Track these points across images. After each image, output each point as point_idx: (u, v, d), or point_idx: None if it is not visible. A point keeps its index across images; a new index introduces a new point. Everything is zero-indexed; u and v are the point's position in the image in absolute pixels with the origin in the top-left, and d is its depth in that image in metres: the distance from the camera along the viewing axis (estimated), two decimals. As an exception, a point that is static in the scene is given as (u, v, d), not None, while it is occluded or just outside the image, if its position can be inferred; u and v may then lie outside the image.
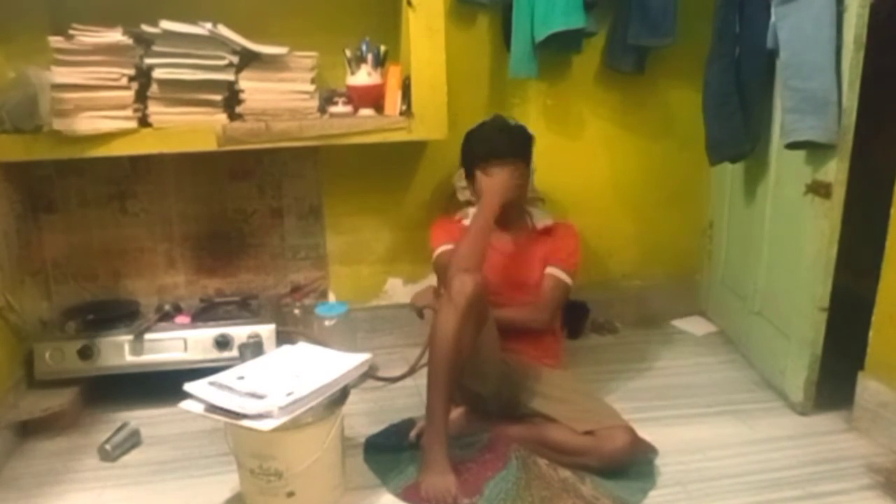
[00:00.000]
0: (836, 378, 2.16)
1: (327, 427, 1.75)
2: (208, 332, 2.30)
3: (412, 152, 2.56)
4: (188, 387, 1.72)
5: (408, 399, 2.29)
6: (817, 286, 2.07)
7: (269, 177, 2.54)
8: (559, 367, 2.19)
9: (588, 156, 2.72)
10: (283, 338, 2.32)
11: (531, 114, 2.63)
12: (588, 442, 1.86)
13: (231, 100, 2.20)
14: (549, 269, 2.16)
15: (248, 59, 2.18)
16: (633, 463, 1.91)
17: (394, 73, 2.30)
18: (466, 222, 2.16)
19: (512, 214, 2.16)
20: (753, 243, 2.45)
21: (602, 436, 1.86)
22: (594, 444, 1.85)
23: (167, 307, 2.43)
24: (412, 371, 2.38)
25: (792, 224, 2.19)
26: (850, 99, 1.94)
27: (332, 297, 2.67)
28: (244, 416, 1.62)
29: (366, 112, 2.30)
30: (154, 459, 2.04)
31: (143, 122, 2.16)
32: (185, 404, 1.70)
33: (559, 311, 2.24)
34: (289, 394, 1.66)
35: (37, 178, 2.40)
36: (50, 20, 2.22)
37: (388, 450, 1.99)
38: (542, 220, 2.26)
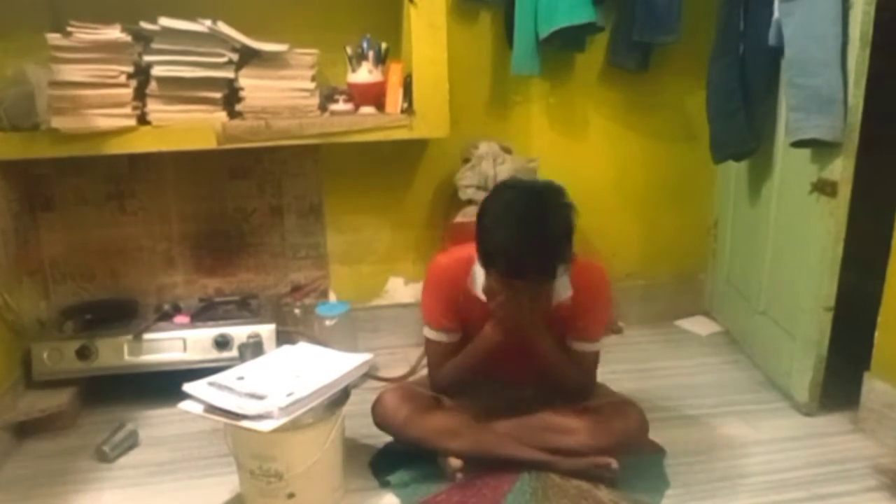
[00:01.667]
0: (841, 378, 2.14)
1: (328, 428, 1.74)
2: (208, 332, 2.29)
3: (413, 150, 2.55)
4: (187, 387, 1.71)
5: (409, 399, 2.28)
6: (823, 285, 2.06)
7: (269, 175, 2.53)
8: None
9: (591, 154, 2.71)
10: (283, 338, 2.31)
11: (534, 112, 2.62)
12: (595, 420, 1.84)
13: (231, 97, 2.19)
14: (579, 346, 1.89)
15: (247, 57, 2.18)
16: (645, 454, 1.90)
17: (395, 71, 2.29)
18: (475, 282, 1.80)
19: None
20: (758, 242, 2.43)
21: (608, 413, 1.85)
22: (602, 421, 1.84)
23: (166, 307, 2.41)
24: (413, 372, 2.37)
25: (797, 223, 2.18)
26: (856, 97, 1.93)
27: (332, 297, 2.66)
28: (244, 417, 1.61)
29: (367, 110, 2.29)
30: (153, 460, 2.03)
31: (142, 119, 2.15)
32: (185, 405, 1.69)
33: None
34: (289, 394, 1.66)
35: (34, 176, 2.39)
36: (48, 17, 2.21)
37: (403, 462, 1.94)
38: (561, 292, 1.81)
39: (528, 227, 1.60)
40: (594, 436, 1.83)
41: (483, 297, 1.77)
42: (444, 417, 1.87)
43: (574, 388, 1.92)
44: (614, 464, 1.81)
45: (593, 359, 1.93)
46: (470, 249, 1.79)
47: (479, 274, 1.78)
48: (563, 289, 1.81)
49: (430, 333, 1.91)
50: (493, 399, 1.95)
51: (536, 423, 1.89)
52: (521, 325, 1.77)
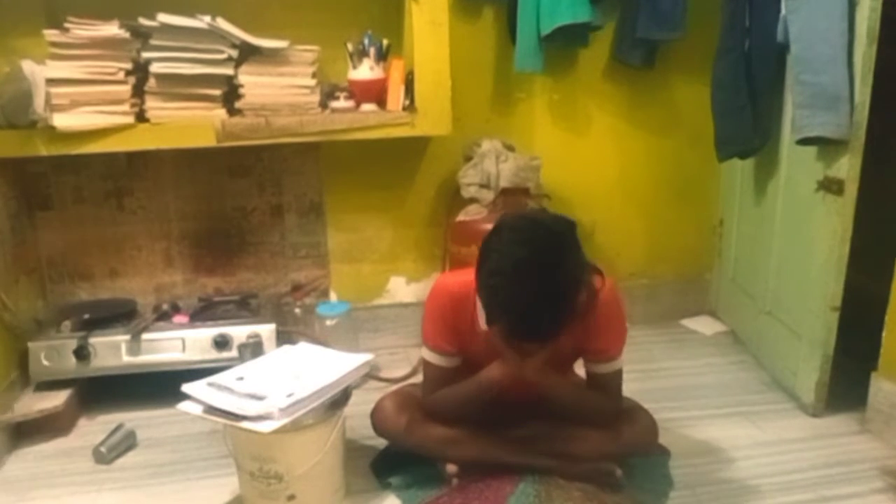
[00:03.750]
0: (848, 379, 2.13)
1: (328, 429, 1.73)
2: (207, 332, 2.27)
3: (415, 148, 2.53)
4: (186, 388, 1.70)
5: (410, 400, 2.26)
6: (829, 285, 2.04)
7: (268, 173, 2.51)
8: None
9: (595, 152, 2.69)
10: (283, 338, 2.30)
11: (537, 109, 2.61)
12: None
13: (230, 95, 2.18)
14: (601, 368, 1.78)
15: (247, 53, 2.17)
16: (651, 456, 1.89)
17: (396, 68, 2.28)
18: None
19: None
20: (764, 241, 2.42)
21: (622, 418, 1.83)
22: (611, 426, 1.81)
23: (165, 306, 2.40)
24: (415, 372, 2.35)
25: (803, 222, 2.16)
26: (863, 94, 1.91)
27: (333, 296, 2.65)
28: (244, 418, 1.61)
29: (368, 107, 2.28)
30: (152, 462, 2.01)
31: (141, 117, 2.15)
32: (184, 406, 1.69)
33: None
34: (289, 395, 1.65)
35: (32, 174, 2.37)
36: (45, 13, 2.19)
37: (405, 464, 1.91)
38: None
39: (535, 290, 1.46)
40: (603, 442, 1.80)
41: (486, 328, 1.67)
42: (445, 426, 1.84)
43: (601, 418, 1.81)
44: (619, 472, 1.78)
45: (618, 378, 1.80)
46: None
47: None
48: None
49: (427, 355, 1.82)
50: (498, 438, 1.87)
51: (542, 428, 1.87)
52: (527, 374, 1.68)
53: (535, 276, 1.47)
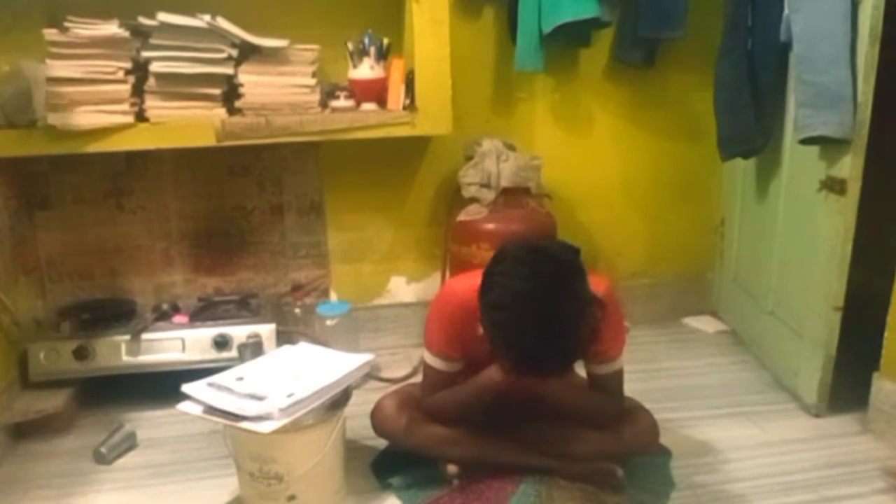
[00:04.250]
0: (850, 379, 2.12)
1: (329, 429, 1.72)
2: (207, 332, 2.27)
3: (416, 148, 2.53)
4: (186, 388, 1.70)
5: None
6: (831, 285, 2.03)
7: (268, 173, 2.50)
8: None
9: (596, 151, 2.69)
10: (283, 338, 2.29)
11: (538, 108, 2.60)
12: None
13: (230, 94, 2.17)
14: (601, 369, 1.78)
15: (247, 53, 2.16)
16: (652, 456, 1.89)
17: (397, 67, 2.27)
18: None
19: None
20: (766, 241, 2.41)
21: (623, 418, 1.82)
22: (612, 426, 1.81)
23: (165, 306, 2.40)
24: (415, 372, 2.35)
25: (805, 221, 2.15)
26: (866, 93, 1.91)
27: (333, 296, 2.65)
28: (243, 418, 1.60)
29: (368, 106, 2.27)
30: (151, 462, 2.01)
31: (140, 116, 2.13)
32: (183, 406, 1.68)
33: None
34: (289, 395, 1.64)
35: (31, 173, 2.37)
36: (45, 12, 2.18)
37: (406, 465, 1.91)
38: None
39: (542, 329, 1.44)
40: (604, 442, 1.80)
41: None
42: (445, 426, 1.83)
43: (602, 419, 1.81)
44: (620, 472, 1.78)
45: (618, 378, 1.80)
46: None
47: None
48: None
49: (429, 358, 1.81)
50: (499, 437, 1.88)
51: (543, 429, 1.86)
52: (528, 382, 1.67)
53: (539, 313, 1.44)
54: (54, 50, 2.02)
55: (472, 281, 1.65)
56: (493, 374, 1.71)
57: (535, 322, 1.44)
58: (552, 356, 1.48)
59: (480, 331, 1.65)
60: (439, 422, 1.82)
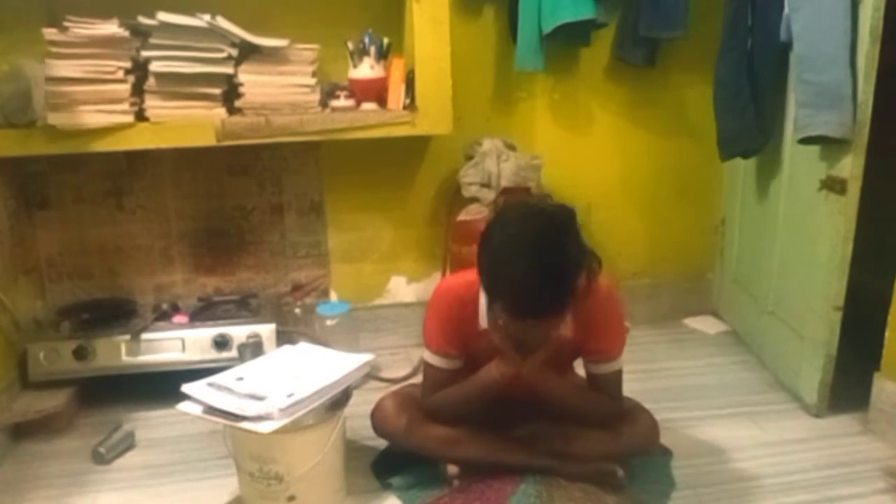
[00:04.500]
0: (851, 379, 2.12)
1: (329, 429, 1.72)
2: (207, 332, 2.27)
3: (416, 147, 2.52)
4: (186, 388, 1.70)
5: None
6: (832, 285, 2.03)
7: (268, 173, 2.50)
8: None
9: (597, 151, 2.68)
10: (283, 338, 2.29)
11: (538, 108, 2.60)
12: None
13: (230, 93, 2.17)
14: (600, 369, 1.79)
15: (247, 52, 2.16)
16: (652, 456, 1.89)
17: (397, 66, 2.27)
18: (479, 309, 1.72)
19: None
20: (766, 241, 2.41)
21: (623, 418, 1.82)
22: (612, 426, 1.81)
23: (164, 306, 2.39)
24: (416, 372, 2.34)
25: (806, 221, 2.15)
26: (866, 93, 1.91)
27: (333, 296, 2.64)
28: (243, 418, 1.60)
29: (368, 106, 2.27)
30: (151, 463, 2.01)
31: (140, 116, 2.13)
32: (183, 406, 1.68)
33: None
34: (289, 395, 1.64)
35: (30, 173, 2.36)
36: (44, 11, 2.18)
37: (406, 465, 1.91)
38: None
39: (537, 265, 1.49)
40: (604, 442, 1.80)
41: (487, 326, 1.71)
42: (445, 426, 1.83)
43: (602, 419, 1.81)
44: (620, 472, 1.78)
45: (618, 378, 1.80)
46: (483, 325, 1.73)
47: (485, 302, 1.70)
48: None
49: (429, 357, 1.81)
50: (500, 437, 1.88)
51: (543, 428, 1.86)
52: (527, 374, 1.68)
53: (535, 253, 1.50)
54: (54, 49, 2.02)
55: (466, 276, 1.71)
56: (491, 370, 1.72)
57: (531, 261, 1.49)
58: (547, 295, 1.50)
59: (479, 324, 1.70)
60: (440, 421, 1.82)
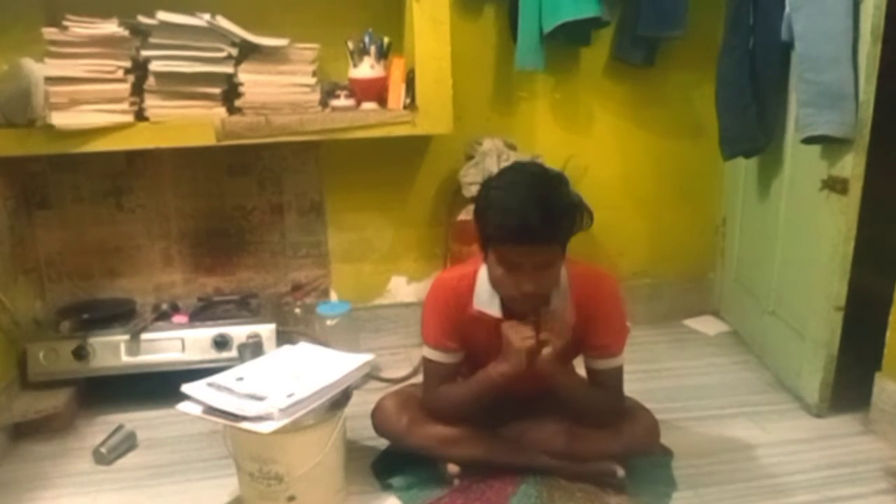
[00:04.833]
0: (852, 379, 2.12)
1: (329, 429, 1.72)
2: (206, 332, 2.27)
3: (416, 147, 2.52)
4: (186, 388, 1.69)
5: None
6: (833, 285, 2.03)
7: (268, 172, 2.50)
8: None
9: (597, 151, 2.68)
10: (283, 338, 2.29)
11: (538, 107, 2.60)
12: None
13: (230, 93, 2.17)
14: (600, 364, 1.78)
15: (247, 52, 2.16)
16: (653, 456, 1.89)
17: (397, 66, 2.27)
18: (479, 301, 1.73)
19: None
20: (767, 241, 2.41)
21: (623, 418, 1.82)
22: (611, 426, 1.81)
23: (164, 306, 2.39)
24: (416, 372, 2.34)
25: (807, 221, 2.15)
26: (868, 92, 1.91)
27: (333, 296, 2.64)
28: (243, 419, 1.60)
29: (369, 106, 2.27)
30: (151, 463, 2.00)
31: (140, 115, 2.13)
32: (183, 406, 1.68)
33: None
34: (289, 395, 1.64)
35: (30, 173, 2.36)
36: (44, 11, 2.18)
37: (406, 465, 1.90)
38: (560, 306, 1.71)
39: (529, 194, 1.55)
40: (604, 442, 1.80)
41: (484, 311, 1.72)
42: (446, 425, 1.83)
43: (604, 416, 1.81)
44: (620, 472, 1.78)
45: (618, 375, 1.80)
46: (473, 265, 1.75)
47: (482, 290, 1.72)
48: (562, 301, 1.71)
49: (428, 352, 1.81)
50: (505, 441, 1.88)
51: (544, 428, 1.85)
52: (532, 362, 1.66)
53: (527, 186, 1.58)
54: (54, 49, 2.02)
55: (460, 269, 1.78)
56: (500, 365, 1.71)
57: (524, 190, 1.57)
58: (539, 218, 1.53)
59: (474, 309, 1.72)
60: (441, 420, 1.82)
